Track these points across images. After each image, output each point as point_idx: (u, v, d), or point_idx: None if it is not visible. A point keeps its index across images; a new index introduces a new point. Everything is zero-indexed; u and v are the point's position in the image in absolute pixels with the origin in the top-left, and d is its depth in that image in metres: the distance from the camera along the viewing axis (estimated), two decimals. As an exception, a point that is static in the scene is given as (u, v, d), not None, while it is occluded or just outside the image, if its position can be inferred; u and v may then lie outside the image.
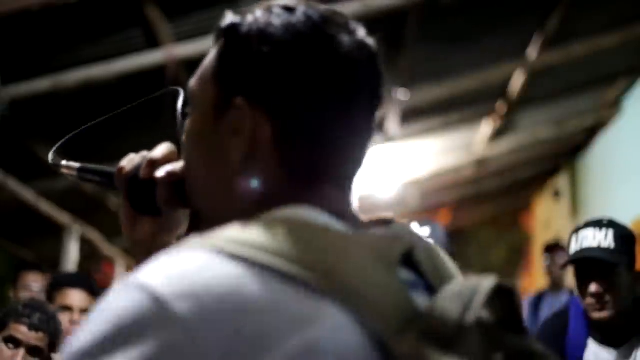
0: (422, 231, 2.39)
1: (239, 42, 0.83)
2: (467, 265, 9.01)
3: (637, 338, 2.38)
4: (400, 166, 6.75)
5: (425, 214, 8.24)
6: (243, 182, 0.82)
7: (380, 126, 5.76)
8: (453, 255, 2.47)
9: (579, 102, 6.77)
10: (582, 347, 2.41)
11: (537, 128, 7.06)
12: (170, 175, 0.92)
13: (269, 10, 0.83)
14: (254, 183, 0.81)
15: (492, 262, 9.80)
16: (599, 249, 2.34)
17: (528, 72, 5.65)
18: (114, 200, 5.71)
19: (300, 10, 0.83)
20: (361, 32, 0.84)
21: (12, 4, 3.23)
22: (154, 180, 0.94)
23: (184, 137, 0.90)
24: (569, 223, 7.50)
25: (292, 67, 0.80)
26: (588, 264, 2.37)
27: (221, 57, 0.85)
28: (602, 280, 2.33)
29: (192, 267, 0.68)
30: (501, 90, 5.97)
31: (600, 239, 2.36)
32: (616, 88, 6.58)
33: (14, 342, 2.38)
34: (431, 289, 0.78)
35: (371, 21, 4.74)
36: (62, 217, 5.51)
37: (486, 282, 0.72)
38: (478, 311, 0.69)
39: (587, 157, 7.82)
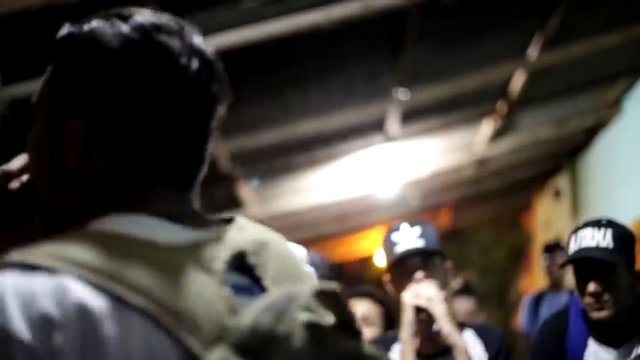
0: (413, 231, 2.39)
1: (71, 51, 0.85)
2: (467, 265, 9.03)
3: (637, 337, 2.38)
4: (400, 166, 6.75)
5: (425, 214, 8.25)
6: (76, 189, 0.84)
7: (381, 126, 5.77)
8: (442, 254, 2.48)
9: (579, 102, 6.77)
10: (582, 347, 2.42)
11: (538, 128, 7.07)
12: (23, 185, 0.94)
13: (105, 18, 0.86)
14: (87, 190, 0.83)
15: (492, 262, 9.80)
16: (597, 248, 2.35)
17: (528, 72, 5.65)
18: None
19: (134, 18, 0.85)
20: (196, 39, 0.86)
21: (12, 4, 3.24)
22: (9, 192, 0.94)
23: (28, 146, 0.91)
24: (569, 223, 7.50)
25: (118, 74, 0.82)
26: (587, 264, 2.38)
27: (55, 66, 0.88)
28: (601, 280, 2.34)
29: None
30: (501, 90, 5.97)
31: (598, 238, 2.36)
32: (616, 88, 6.58)
33: None
34: (262, 291, 0.78)
35: (371, 21, 4.71)
36: (62, 217, 5.51)
37: (304, 289, 0.73)
38: (292, 320, 0.69)
39: (588, 157, 7.82)
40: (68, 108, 0.83)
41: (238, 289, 0.77)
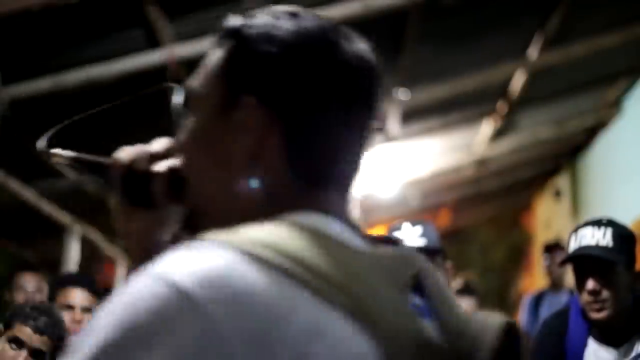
0: (414, 230, 2.39)
1: (248, 43, 0.84)
2: (467, 266, 9.03)
3: (637, 337, 2.38)
4: (400, 166, 6.76)
5: (425, 214, 8.25)
6: (249, 180, 0.82)
7: (381, 126, 5.77)
8: (444, 254, 2.48)
9: (579, 102, 6.77)
10: (582, 347, 2.42)
11: (538, 128, 7.07)
12: (169, 169, 0.93)
13: (274, 14, 0.85)
14: (260, 182, 0.81)
15: (492, 262, 9.80)
16: (597, 247, 2.35)
17: (528, 72, 5.65)
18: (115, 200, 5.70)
19: (306, 16, 0.85)
20: (361, 43, 0.86)
21: (12, 4, 3.24)
22: (151, 174, 0.94)
23: (183, 134, 0.90)
24: (569, 223, 7.50)
25: (299, 69, 0.82)
26: (586, 262, 2.38)
27: (229, 57, 0.86)
28: (600, 278, 2.34)
29: (217, 264, 0.68)
30: (502, 90, 5.97)
31: (598, 237, 2.37)
32: (616, 88, 6.58)
33: (18, 343, 2.39)
34: (435, 315, 0.79)
35: (371, 21, 4.72)
36: (63, 217, 5.51)
37: (495, 320, 0.75)
38: (487, 347, 0.72)
39: (588, 157, 7.82)
40: (242, 99, 0.82)
41: (418, 309, 0.78)
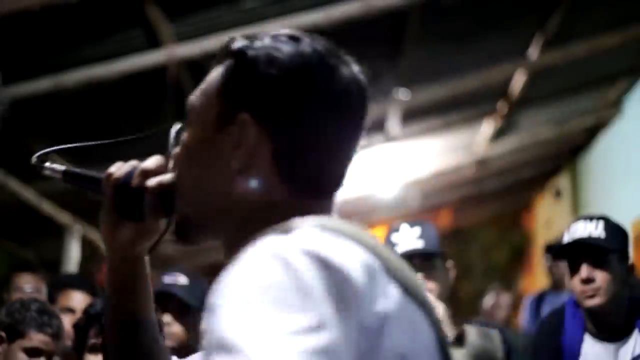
0: (413, 232, 2.38)
1: (248, 63, 0.89)
2: (468, 266, 9.02)
3: (632, 332, 2.39)
4: (401, 166, 6.75)
5: (426, 214, 8.24)
6: (241, 192, 0.88)
7: (381, 126, 5.77)
8: (444, 254, 2.47)
9: (580, 102, 6.77)
10: (579, 343, 2.43)
11: (538, 128, 7.06)
12: (161, 185, 0.99)
13: (276, 37, 0.91)
14: (252, 193, 0.87)
15: (493, 262, 9.79)
16: (589, 237, 2.38)
17: (529, 72, 5.65)
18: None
19: (306, 41, 0.91)
20: (355, 66, 0.93)
21: (13, 4, 3.24)
22: (143, 189, 1.00)
23: (179, 149, 0.95)
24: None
25: (297, 91, 0.88)
26: (579, 251, 2.40)
27: (229, 75, 0.91)
28: (593, 265, 2.35)
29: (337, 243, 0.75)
30: (502, 90, 5.97)
31: (591, 229, 2.40)
32: (617, 88, 6.58)
33: (36, 353, 2.26)
34: None
35: (371, 21, 4.70)
36: (63, 217, 5.51)
37: None
38: None
39: (588, 157, 7.82)
40: (237, 115, 0.87)
41: None
